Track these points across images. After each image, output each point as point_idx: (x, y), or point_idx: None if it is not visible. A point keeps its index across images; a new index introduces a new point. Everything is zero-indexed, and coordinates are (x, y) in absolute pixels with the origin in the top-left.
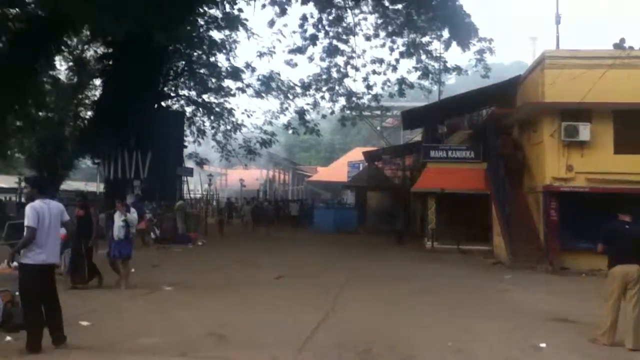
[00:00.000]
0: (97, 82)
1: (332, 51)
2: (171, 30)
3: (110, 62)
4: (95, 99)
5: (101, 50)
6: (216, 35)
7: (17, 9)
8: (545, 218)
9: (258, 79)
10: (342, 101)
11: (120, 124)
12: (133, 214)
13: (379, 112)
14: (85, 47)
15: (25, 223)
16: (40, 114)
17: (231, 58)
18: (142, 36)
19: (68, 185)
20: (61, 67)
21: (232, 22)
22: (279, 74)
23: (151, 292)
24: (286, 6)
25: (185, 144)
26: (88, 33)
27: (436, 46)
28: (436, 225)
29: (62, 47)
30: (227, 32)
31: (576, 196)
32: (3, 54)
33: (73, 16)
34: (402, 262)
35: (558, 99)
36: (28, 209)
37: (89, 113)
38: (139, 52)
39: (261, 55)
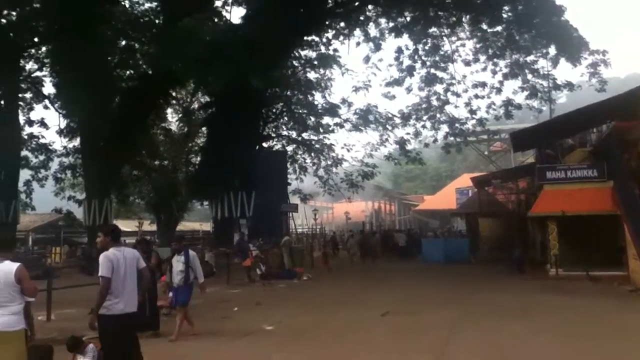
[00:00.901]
0: (204, 129)
1: (430, 80)
2: (267, 75)
3: (213, 110)
4: (203, 145)
5: (204, 99)
6: (311, 74)
7: (131, 71)
8: None
9: (355, 113)
10: (444, 128)
11: (225, 167)
12: (196, 260)
13: (485, 137)
14: (192, 98)
15: (99, 273)
16: (156, 162)
17: (327, 95)
18: (240, 83)
19: (184, 226)
20: (172, 118)
21: (327, 61)
22: (376, 107)
23: (251, 334)
24: (380, 41)
25: (289, 181)
26: (193, 85)
27: (543, 64)
28: (559, 250)
29: (170, 101)
30: (321, 70)
31: None
32: (118, 110)
33: (177, 72)
34: (523, 294)
35: None
36: (102, 258)
37: (198, 159)
38: (239, 98)
39: (357, 89)
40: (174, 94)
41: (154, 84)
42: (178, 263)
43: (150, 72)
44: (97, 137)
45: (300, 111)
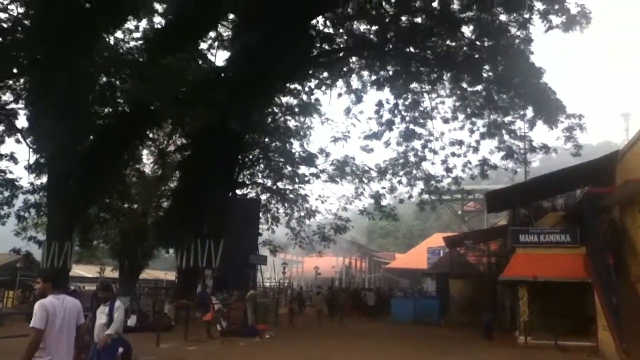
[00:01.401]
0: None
1: (409, 135)
2: (246, 119)
3: (188, 153)
4: (174, 188)
5: (181, 141)
6: (291, 122)
7: (109, 108)
8: None
9: (332, 164)
10: (420, 185)
11: (195, 212)
12: (119, 311)
13: (459, 196)
14: (169, 140)
15: (31, 324)
16: (125, 205)
17: (305, 144)
18: (218, 126)
19: (147, 274)
20: (148, 160)
21: (307, 109)
22: (353, 159)
23: None
24: (362, 94)
25: (260, 231)
26: (170, 127)
27: (520, 125)
28: (528, 317)
29: (146, 141)
30: (301, 118)
31: None
32: (91, 148)
33: (156, 111)
34: None
35: None
36: (37, 306)
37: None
38: (216, 142)
39: (335, 140)
40: (150, 134)
41: (131, 122)
42: (102, 315)
43: (128, 110)
44: (65, 175)
45: (277, 159)
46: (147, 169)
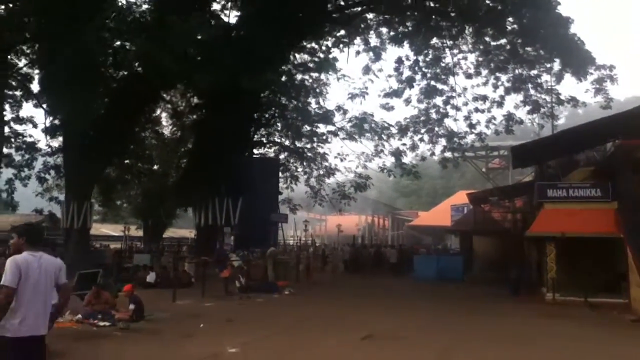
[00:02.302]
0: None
1: (430, 92)
2: (258, 77)
3: (203, 113)
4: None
5: (194, 102)
6: (307, 79)
7: (123, 72)
8: None
9: (349, 121)
10: (442, 142)
11: (212, 172)
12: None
13: (483, 153)
14: (182, 100)
15: (1, 281)
16: (146, 166)
17: (322, 101)
18: (231, 85)
19: (173, 232)
20: (167, 123)
21: (323, 65)
22: (372, 115)
23: (208, 357)
24: (381, 51)
25: (280, 190)
26: (184, 87)
27: (546, 79)
28: (557, 273)
29: (161, 102)
30: (317, 75)
31: None
32: (106, 111)
33: (167, 70)
34: (518, 320)
35: None
36: (8, 263)
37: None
38: (230, 101)
39: (353, 97)
40: (166, 96)
41: (144, 83)
42: None
43: (140, 71)
44: (81, 137)
45: (294, 117)
46: (167, 131)
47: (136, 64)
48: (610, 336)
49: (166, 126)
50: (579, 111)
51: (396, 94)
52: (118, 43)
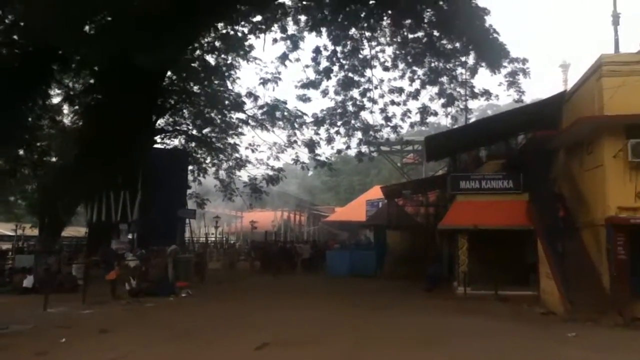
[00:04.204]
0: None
1: (347, 84)
2: (156, 54)
3: (96, 95)
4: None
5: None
6: (214, 61)
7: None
8: (610, 257)
9: (260, 107)
10: (358, 135)
11: (106, 161)
12: None
13: (399, 147)
14: (75, 80)
15: None
16: (45, 159)
17: (230, 84)
18: (126, 63)
19: (78, 231)
20: (68, 111)
21: (232, 44)
22: (285, 103)
23: None
24: (299, 40)
25: (190, 184)
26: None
27: (461, 71)
28: (468, 267)
29: (53, 83)
30: (225, 56)
31: None
32: None
33: (56, 45)
34: (430, 316)
35: (621, 113)
36: None
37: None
38: (127, 83)
39: (265, 82)
40: (57, 75)
41: (31, 62)
42: None
43: (29, 49)
44: None
45: (202, 102)
46: (67, 121)
47: (21, 41)
48: (522, 331)
49: (67, 115)
50: (488, 112)
51: (313, 85)
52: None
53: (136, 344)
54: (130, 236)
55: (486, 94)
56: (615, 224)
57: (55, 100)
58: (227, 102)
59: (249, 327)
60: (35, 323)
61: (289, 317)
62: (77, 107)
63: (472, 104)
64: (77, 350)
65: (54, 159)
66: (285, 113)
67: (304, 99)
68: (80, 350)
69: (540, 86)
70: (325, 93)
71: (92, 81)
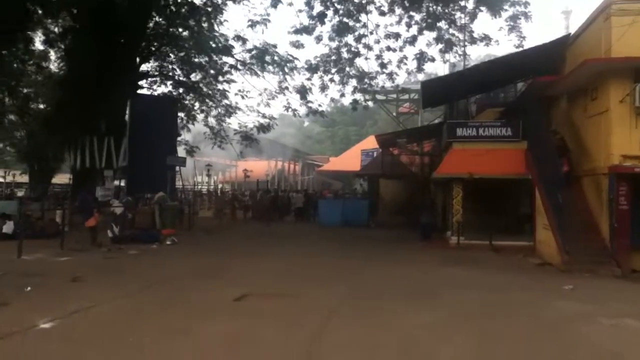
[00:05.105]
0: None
1: (342, 29)
2: None
3: (75, 36)
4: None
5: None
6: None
7: None
8: (611, 207)
9: (248, 51)
10: (353, 83)
11: (89, 106)
12: None
13: (394, 96)
14: (55, 24)
15: None
16: (32, 105)
17: (216, 25)
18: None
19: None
20: (55, 58)
21: None
22: (275, 46)
23: (9, 336)
24: None
25: (180, 132)
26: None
27: (460, 16)
28: (462, 217)
29: (34, 26)
30: None
31: None
32: None
33: None
34: (422, 267)
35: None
36: None
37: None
38: (108, 24)
39: (254, 24)
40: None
41: (11, 2)
42: None
43: None
44: None
45: (187, 46)
46: (54, 67)
47: None
48: (517, 283)
49: (54, 61)
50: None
51: (306, 30)
52: None
53: (106, 295)
54: (116, 183)
55: (486, 39)
56: (618, 172)
57: (41, 46)
58: (214, 45)
59: (233, 277)
60: (6, 270)
61: (275, 267)
62: (64, 52)
63: (471, 53)
64: (40, 301)
65: (41, 106)
66: (276, 57)
67: (297, 45)
68: (43, 300)
69: (542, 36)
70: (319, 39)
71: (72, 24)
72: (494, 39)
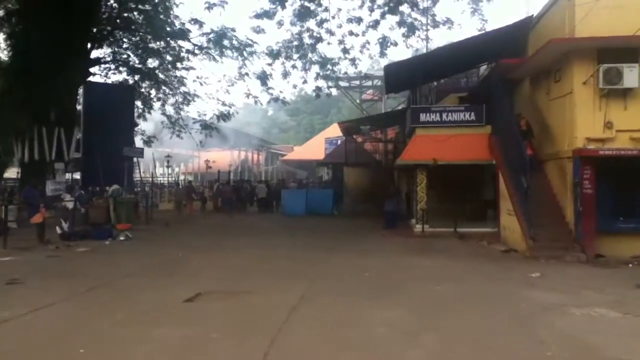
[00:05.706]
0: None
1: (303, 14)
2: None
3: (20, 20)
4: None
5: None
6: None
7: None
8: (576, 191)
9: (205, 34)
10: (316, 69)
11: (36, 95)
12: None
13: (357, 82)
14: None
15: None
16: None
17: (172, 7)
18: None
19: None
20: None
21: None
22: (233, 30)
23: None
24: None
25: (138, 122)
26: None
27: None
28: (426, 204)
29: None
30: None
31: (618, 162)
32: None
33: None
34: (387, 258)
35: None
36: None
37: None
38: (54, 8)
39: (210, 6)
40: None
41: None
42: None
43: None
44: None
45: (142, 30)
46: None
47: None
48: (484, 272)
49: (5, 49)
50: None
51: (267, 15)
52: None
53: (43, 299)
54: (68, 176)
55: (448, 22)
56: (582, 156)
57: None
58: (169, 29)
59: (187, 275)
60: None
61: (234, 262)
62: (7, 37)
63: (433, 38)
64: None
65: None
66: (235, 42)
67: (258, 30)
68: None
69: (505, 19)
70: (280, 24)
71: (16, 6)
72: (457, 23)
